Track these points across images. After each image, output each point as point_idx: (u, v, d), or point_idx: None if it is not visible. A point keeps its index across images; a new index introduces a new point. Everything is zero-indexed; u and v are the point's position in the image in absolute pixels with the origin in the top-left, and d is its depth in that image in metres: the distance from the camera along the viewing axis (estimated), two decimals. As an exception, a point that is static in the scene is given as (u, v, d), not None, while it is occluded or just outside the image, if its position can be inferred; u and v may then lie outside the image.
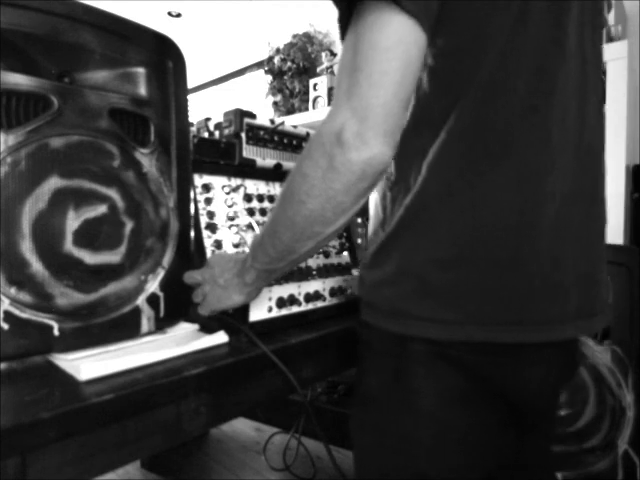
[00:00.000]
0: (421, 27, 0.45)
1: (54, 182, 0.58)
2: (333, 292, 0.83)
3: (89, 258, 0.61)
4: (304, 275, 0.85)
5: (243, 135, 0.91)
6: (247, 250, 0.86)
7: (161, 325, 0.70)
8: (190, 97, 0.74)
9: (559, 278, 0.54)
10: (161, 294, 0.69)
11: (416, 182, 0.54)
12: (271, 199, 0.95)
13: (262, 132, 0.96)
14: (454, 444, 0.57)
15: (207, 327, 0.72)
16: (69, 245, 0.59)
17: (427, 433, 0.56)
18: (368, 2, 0.45)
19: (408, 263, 0.55)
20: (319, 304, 0.81)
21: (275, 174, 0.97)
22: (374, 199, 0.65)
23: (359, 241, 1.09)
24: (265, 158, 0.95)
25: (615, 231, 1.32)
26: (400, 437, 0.58)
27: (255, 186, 0.93)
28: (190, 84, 0.74)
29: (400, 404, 0.58)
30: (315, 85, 2.33)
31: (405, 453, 0.58)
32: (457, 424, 0.57)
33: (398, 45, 0.45)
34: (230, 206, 0.86)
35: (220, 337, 0.68)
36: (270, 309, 0.73)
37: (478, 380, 0.56)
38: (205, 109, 3.77)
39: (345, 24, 0.50)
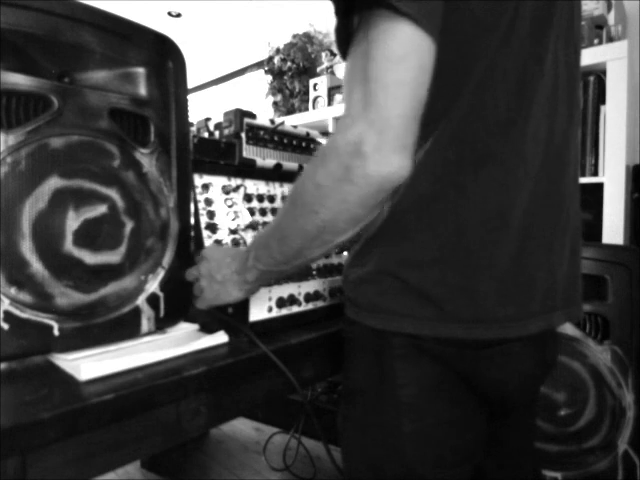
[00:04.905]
0: (431, 37, 0.45)
1: (54, 182, 0.58)
2: (333, 292, 0.83)
3: (89, 258, 0.61)
4: (304, 275, 0.85)
5: (243, 135, 0.91)
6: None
7: (161, 325, 0.70)
8: (190, 97, 0.74)
9: (524, 278, 0.57)
10: (161, 294, 0.69)
11: (400, 186, 0.56)
12: (271, 199, 0.95)
13: (262, 132, 0.96)
14: (436, 435, 0.59)
15: (207, 327, 0.72)
16: (69, 245, 0.59)
17: (409, 425, 0.58)
18: (378, 12, 0.45)
19: (386, 263, 0.57)
20: (319, 304, 0.81)
21: (275, 174, 0.97)
22: None
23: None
24: (265, 158, 0.95)
25: (615, 231, 1.32)
26: (385, 430, 0.60)
27: (255, 186, 0.93)
28: (190, 84, 0.74)
29: (383, 398, 0.60)
30: (315, 85, 2.33)
31: (390, 446, 0.59)
32: (437, 415, 0.59)
33: (413, 54, 0.44)
34: (230, 206, 0.86)
35: (220, 337, 0.68)
36: (270, 309, 0.73)
37: (454, 372, 0.58)
38: (205, 109, 3.78)
39: (345, 34, 0.50)
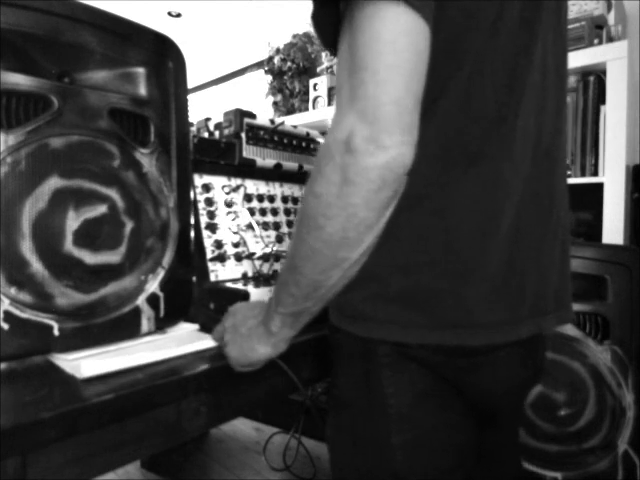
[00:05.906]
0: (425, 21, 0.41)
1: (54, 182, 0.58)
2: (333, 292, 0.83)
3: (89, 258, 0.61)
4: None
5: (243, 135, 0.91)
6: (248, 248, 0.86)
7: (161, 325, 0.70)
8: (190, 97, 0.74)
9: (515, 282, 0.55)
10: (161, 294, 0.69)
11: None
12: (271, 199, 0.95)
13: (262, 132, 0.96)
14: (426, 443, 0.57)
15: (207, 327, 0.72)
16: (69, 245, 0.59)
17: (399, 434, 0.56)
18: (362, 1, 0.42)
19: (372, 268, 0.53)
20: (319, 304, 0.81)
21: (275, 174, 0.97)
22: None
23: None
24: (265, 158, 0.95)
25: (615, 231, 1.32)
26: (374, 440, 0.58)
27: (255, 186, 0.93)
28: (190, 84, 0.74)
29: (371, 407, 0.57)
30: (315, 85, 2.33)
31: (380, 456, 0.57)
32: (427, 423, 0.57)
33: (405, 36, 0.41)
34: (230, 206, 0.86)
35: (220, 337, 0.68)
36: (270, 309, 0.73)
37: (443, 378, 0.56)
38: (205, 109, 3.78)
39: (329, 23, 0.48)
